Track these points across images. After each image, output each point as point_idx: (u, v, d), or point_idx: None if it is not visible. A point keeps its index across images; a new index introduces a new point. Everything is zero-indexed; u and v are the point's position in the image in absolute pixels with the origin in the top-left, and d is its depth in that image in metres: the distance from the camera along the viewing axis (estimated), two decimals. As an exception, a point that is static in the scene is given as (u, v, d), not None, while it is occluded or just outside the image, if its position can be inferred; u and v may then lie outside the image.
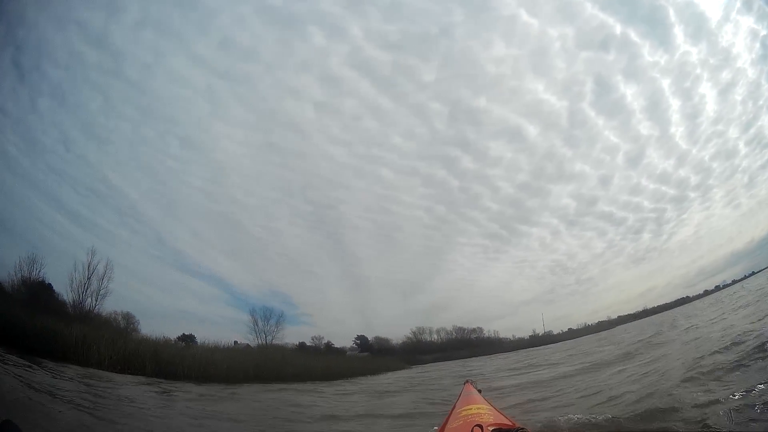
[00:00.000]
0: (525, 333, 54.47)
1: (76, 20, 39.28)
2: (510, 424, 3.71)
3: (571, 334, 51.13)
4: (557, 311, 63.81)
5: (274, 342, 40.40)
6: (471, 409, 4.36)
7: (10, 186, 33.72)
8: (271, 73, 53.51)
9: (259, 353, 23.91)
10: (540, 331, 54.09)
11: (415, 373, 28.11)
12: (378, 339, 50.51)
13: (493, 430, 3.33)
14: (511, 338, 54.06)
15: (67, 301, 28.14)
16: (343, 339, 49.12)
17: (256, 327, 40.33)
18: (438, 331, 53.72)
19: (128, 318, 31.33)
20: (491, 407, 4.44)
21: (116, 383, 12.22)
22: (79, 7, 39.50)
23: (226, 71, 50.90)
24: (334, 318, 55.78)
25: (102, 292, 29.18)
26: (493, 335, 54.22)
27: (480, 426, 3.30)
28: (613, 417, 5.09)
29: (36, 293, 25.89)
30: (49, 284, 27.67)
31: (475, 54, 55.03)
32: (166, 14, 45.13)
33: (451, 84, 55.07)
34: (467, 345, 51.30)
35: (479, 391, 5.29)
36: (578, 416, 5.18)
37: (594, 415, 5.31)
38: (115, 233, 41.80)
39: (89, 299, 28.66)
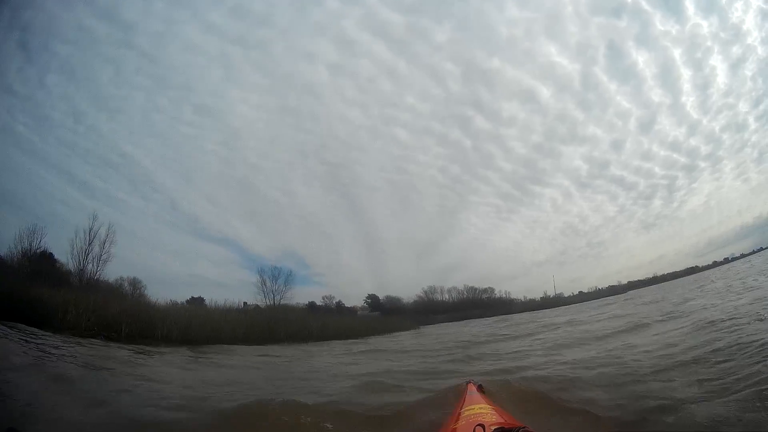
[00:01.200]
0: (536, 294, 54.61)
1: None
2: (512, 423, 3.58)
3: (582, 297, 50.82)
4: (568, 274, 64.37)
5: (283, 302, 40.52)
6: (473, 409, 4.22)
7: (19, 163, 34.09)
8: (285, 38, 53.49)
9: (254, 313, 23.12)
10: (551, 293, 53.93)
11: (416, 336, 27.56)
12: (389, 298, 50.52)
13: (495, 429, 3.22)
14: (523, 299, 53.98)
15: (72, 269, 27.99)
16: (356, 299, 49.55)
17: (264, 287, 40.53)
18: (449, 291, 53.76)
19: (135, 283, 31.58)
20: (494, 407, 4.30)
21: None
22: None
23: (240, 37, 50.41)
24: (347, 278, 56.40)
25: (104, 256, 28.78)
26: (504, 296, 54.31)
27: (482, 426, 3.27)
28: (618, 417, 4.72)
29: (38, 264, 25.66)
30: (50, 253, 27.51)
31: (488, 16, 54.70)
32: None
33: (464, 45, 54.29)
34: (479, 305, 51.10)
35: (481, 389, 5.16)
36: (582, 417, 4.92)
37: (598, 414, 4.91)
38: (128, 201, 42.76)
39: (90, 265, 28.35)
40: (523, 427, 3.35)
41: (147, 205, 45.43)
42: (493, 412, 4.07)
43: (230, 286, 50.05)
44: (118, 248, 30.29)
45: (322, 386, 7.70)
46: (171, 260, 45.31)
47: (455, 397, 5.24)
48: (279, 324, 20.29)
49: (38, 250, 26.46)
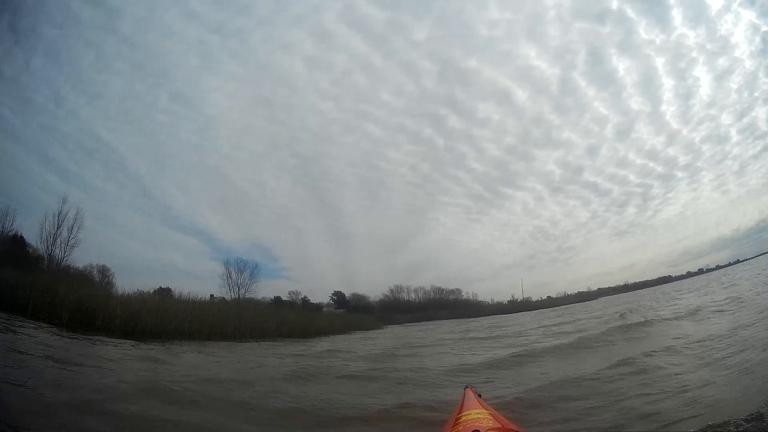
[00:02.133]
0: (504, 297, 54.64)
1: None
2: (509, 428, 3.58)
3: (550, 302, 51.21)
4: (537, 278, 64.87)
5: (248, 295, 39.47)
6: (470, 414, 4.13)
7: (4, 150, 32.93)
8: (263, 28, 52.49)
9: (205, 306, 21.89)
10: (519, 296, 54.14)
11: (380, 335, 26.85)
12: (355, 296, 49.98)
13: None
14: (490, 302, 54.04)
15: (42, 253, 27.05)
16: (323, 295, 48.81)
17: (229, 280, 39.32)
18: (416, 290, 53.51)
19: (104, 271, 30.81)
20: (491, 412, 4.23)
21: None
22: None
23: (219, 25, 49.48)
24: (315, 273, 55.59)
25: (71, 241, 27.72)
26: (471, 297, 54.39)
27: (478, 431, 3.32)
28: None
29: (9, 246, 25.16)
30: (21, 236, 26.61)
31: (469, 15, 54.64)
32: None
33: (443, 44, 54.13)
34: (445, 306, 51.08)
35: (479, 395, 5.06)
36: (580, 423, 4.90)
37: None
38: (102, 188, 41.77)
39: (58, 250, 27.33)
40: None
41: (120, 191, 44.53)
42: (490, 417, 3.98)
43: (200, 277, 48.61)
44: (91, 235, 29.56)
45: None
46: (143, 248, 44.53)
47: (453, 402, 5.04)
48: (228, 320, 19.00)
49: (9, 233, 25.63)
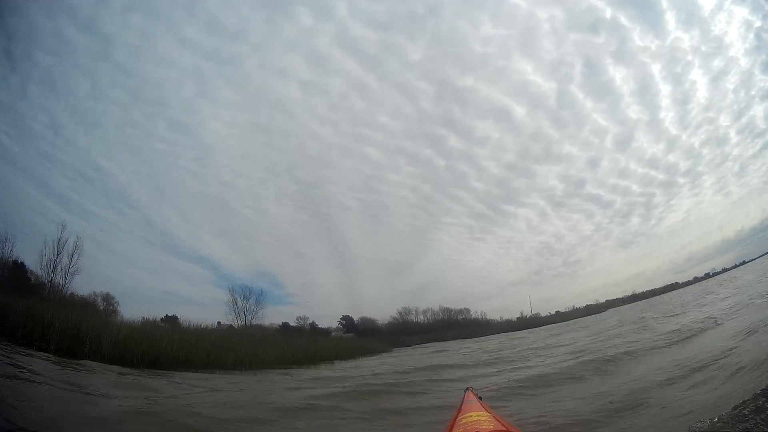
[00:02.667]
0: (513, 314, 54.07)
1: (67, 6, 38.47)
2: (509, 430, 3.47)
3: (559, 317, 50.32)
4: (545, 293, 64.47)
5: (254, 322, 39.40)
6: (471, 416, 4.02)
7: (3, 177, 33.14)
8: (258, 54, 53.60)
9: (203, 333, 21.19)
10: (527, 312, 53.51)
11: (389, 360, 26.03)
12: (364, 319, 49.47)
13: None
14: (499, 320, 53.37)
15: (42, 280, 26.84)
16: (330, 320, 48.29)
17: (235, 307, 39.43)
18: (425, 312, 52.98)
19: (107, 299, 30.55)
20: (491, 414, 4.10)
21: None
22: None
23: (214, 52, 50.53)
24: (321, 298, 55.38)
25: (72, 268, 27.49)
26: (480, 316, 53.74)
27: None
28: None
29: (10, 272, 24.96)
30: (22, 263, 26.50)
31: (462, 33, 54.67)
32: (154, -2, 43.02)
33: (438, 63, 55.09)
34: (454, 326, 50.40)
35: (480, 398, 4.90)
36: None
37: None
38: (104, 216, 41.92)
39: (59, 277, 27.05)
40: None
41: (122, 220, 44.88)
42: (491, 419, 3.89)
43: (205, 305, 48.46)
44: (94, 263, 29.60)
45: None
46: (146, 277, 44.50)
47: (453, 405, 4.90)
48: (227, 348, 17.91)
49: (9, 259, 25.50)
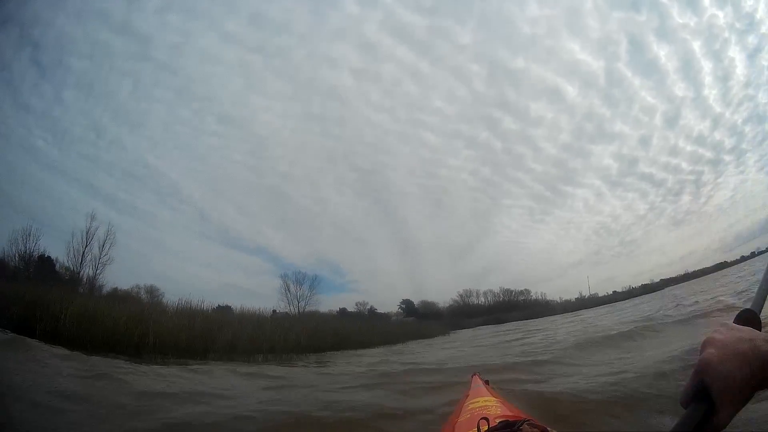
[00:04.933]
0: (572, 295, 52.82)
1: (97, 11, 39.06)
2: (517, 416, 3.28)
3: (616, 297, 49.10)
4: (603, 273, 62.17)
5: (308, 308, 39.49)
6: (478, 401, 3.93)
7: (40, 179, 34.28)
8: (305, 44, 52.82)
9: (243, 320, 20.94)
10: (586, 293, 52.17)
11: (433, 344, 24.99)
12: (424, 303, 49.69)
13: (499, 422, 2.77)
14: (558, 300, 52.40)
15: (79, 273, 26.86)
16: (391, 305, 48.62)
17: (288, 293, 39.52)
18: (485, 294, 52.67)
19: (152, 291, 30.13)
20: (498, 399, 4.00)
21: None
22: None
23: (259, 46, 51.29)
24: (383, 284, 55.93)
25: (104, 259, 27.41)
26: (540, 297, 52.88)
27: (486, 419, 2.87)
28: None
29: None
30: (48, 256, 26.44)
31: (510, 14, 54.52)
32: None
33: (488, 45, 54.28)
34: (514, 307, 49.81)
35: (487, 382, 4.82)
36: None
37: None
38: (155, 213, 43.21)
39: (87, 268, 26.98)
40: (528, 420, 3.04)
41: (175, 216, 45.38)
42: (498, 405, 3.84)
43: (264, 295, 49.13)
44: (145, 260, 30.67)
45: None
46: (201, 271, 44.74)
47: (460, 389, 4.91)
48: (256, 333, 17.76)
49: (35, 254, 25.58)
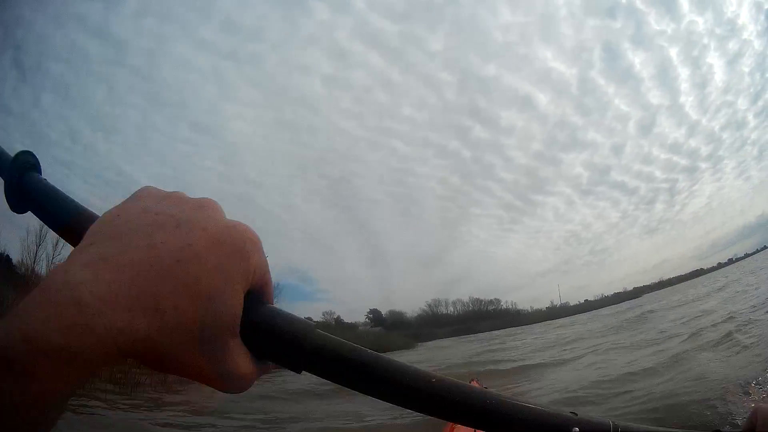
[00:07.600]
0: (543, 304, 52.91)
1: (75, 15, 38.94)
2: None
3: (588, 306, 49.23)
4: (574, 282, 63.28)
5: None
6: None
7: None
8: (277, 51, 53.69)
9: None
10: (557, 302, 52.28)
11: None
12: (392, 313, 48.65)
13: None
14: (529, 310, 52.03)
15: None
16: (359, 314, 47.61)
17: None
18: (454, 303, 51.99)
19: None
20: None
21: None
22: (75, 1, 39.53)
23: (231, 52, 50.97)
24: (352, 293, 55.13)
25: (57, 258, 26.41)
26: (510, 307, 52.49)
27: None
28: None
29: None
30: (7, 255, 24.58)
31: (482, 21, 54.63)
32: (166, 1, 46.07)
33: (459, 52, 54.90)
34: (484, 317, 49.27)
35: (485, 389, 3.76)
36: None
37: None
38: None
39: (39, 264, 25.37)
40: None
41: None
42: None
43: None
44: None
45: None
46: None
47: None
48: None
49: None
